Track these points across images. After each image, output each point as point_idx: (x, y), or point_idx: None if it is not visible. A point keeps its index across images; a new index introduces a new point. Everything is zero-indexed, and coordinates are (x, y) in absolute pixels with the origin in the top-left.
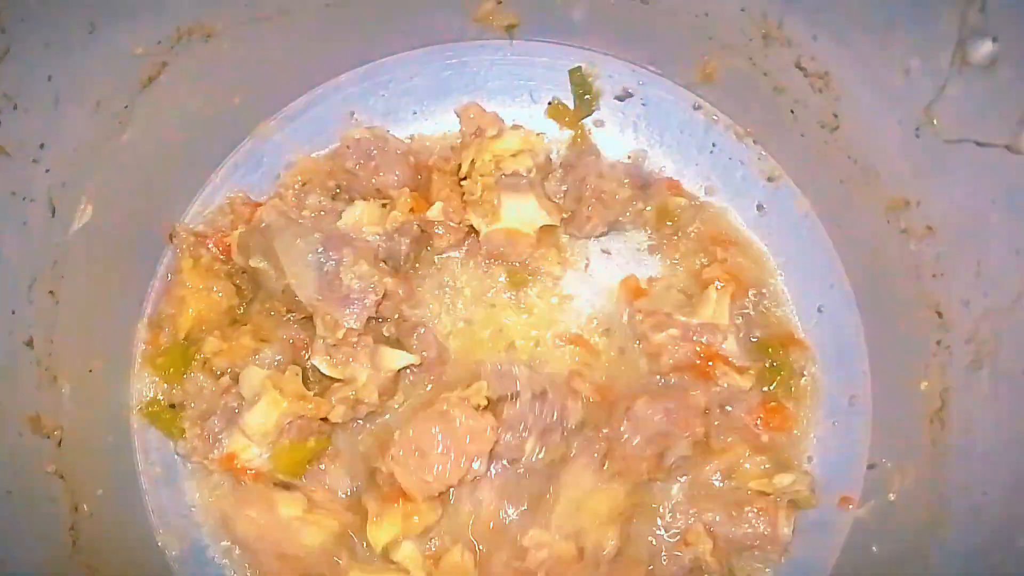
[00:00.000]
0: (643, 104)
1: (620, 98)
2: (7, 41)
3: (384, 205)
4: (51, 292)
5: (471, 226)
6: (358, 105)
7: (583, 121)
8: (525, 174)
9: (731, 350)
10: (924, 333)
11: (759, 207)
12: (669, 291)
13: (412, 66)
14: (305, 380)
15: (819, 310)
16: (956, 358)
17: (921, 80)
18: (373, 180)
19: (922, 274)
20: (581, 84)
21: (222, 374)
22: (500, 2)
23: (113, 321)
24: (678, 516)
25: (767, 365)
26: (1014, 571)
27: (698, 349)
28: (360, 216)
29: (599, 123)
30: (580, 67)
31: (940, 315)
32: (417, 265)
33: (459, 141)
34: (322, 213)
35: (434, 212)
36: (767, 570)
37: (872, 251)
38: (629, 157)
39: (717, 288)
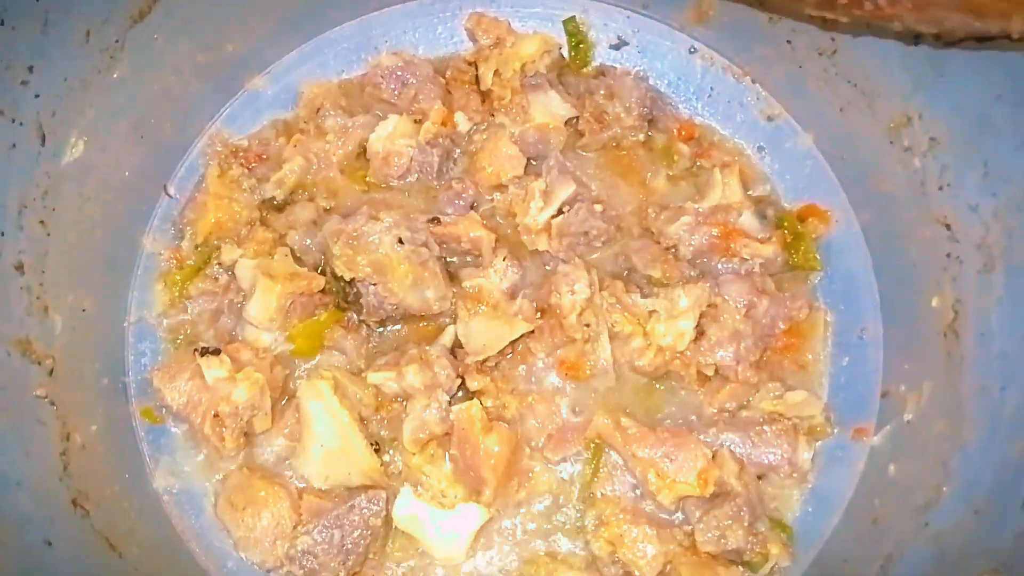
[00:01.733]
0: (639, 52)
1: (616, 47)
2: None
3: (416, 121)
4: (42, 222)
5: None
6: (353, 59)
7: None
8: (545, 72)
9: (749, 225)
10: (933, 250)
11: (760, 148)
12: (678, 185)
13: (406, 20)
14: (296, 258)
15: (826, 247)
16: (967, 266)
17: None
18: (413, 107)
19: (928, 190)
20: (575, 34)
21: (219, 276)
22: None
23: (107, 266)
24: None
25: (787, 238)
26: None
27: (714, 231)
28: (393, 130)
29: (597, 74)
30: (574, 17)
31: (948, 227)
32: None
33: (473, 53)
34: (348, 129)
35: (462, 124)
36: (794, 496)
37: (877, 177)
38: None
39: (721, 170)
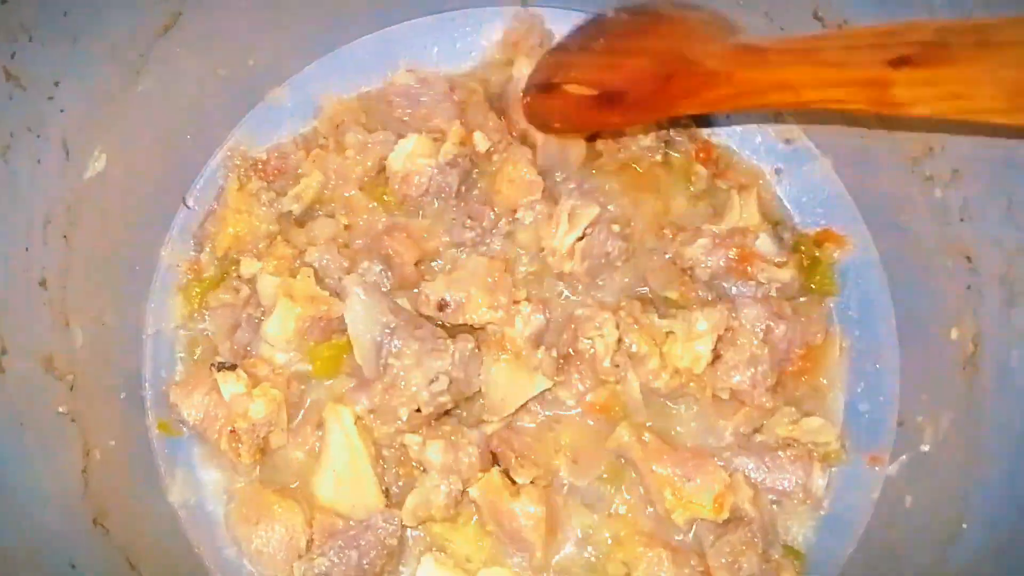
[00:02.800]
0: None
1: None
2: None
3: (435, 140)
4: (65, 237)
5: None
6: (372, 72)
7: None
8: None
9: (766, 248)
10: (952, 281)
11: (778, 171)
12: (696, 206)
13: (425, 34)
14: (319, 279)
15: (843, 272)
16: (988, 300)
17: (942, 12)
18: (428, 125)
19: (950, 220)
20: None
21: (239, 288)
22: None
23: (127, 279)
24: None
25: (804, 263)
26: None
27: (731, 254)
28: (412, 149)
29: None
30: None
31: (969, 259)
32: None
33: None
34: (368, 145)
35: (481, 144)
36: (807, 523)
37: (896, 205)
38: None
39: (739, 192)
